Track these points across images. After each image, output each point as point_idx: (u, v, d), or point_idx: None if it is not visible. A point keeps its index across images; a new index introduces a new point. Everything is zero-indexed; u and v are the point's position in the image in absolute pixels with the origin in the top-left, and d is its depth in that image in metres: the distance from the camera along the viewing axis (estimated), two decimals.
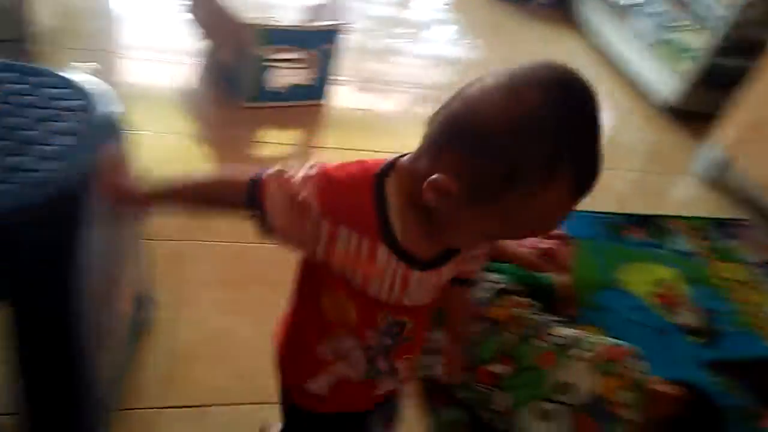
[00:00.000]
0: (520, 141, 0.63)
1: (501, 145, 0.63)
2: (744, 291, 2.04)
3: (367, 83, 2.66)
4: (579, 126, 0.65)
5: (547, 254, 1.73)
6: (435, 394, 1.42)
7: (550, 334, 1.37)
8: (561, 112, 0.63)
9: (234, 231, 1.71)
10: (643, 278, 1.98)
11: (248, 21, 2.06)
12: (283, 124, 2.23)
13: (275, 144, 2.15)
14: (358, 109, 2.44)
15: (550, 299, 1.61)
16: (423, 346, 0.90)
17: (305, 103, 2.30)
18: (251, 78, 2.16)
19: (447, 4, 3.50)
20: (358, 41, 2.98)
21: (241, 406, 1.35)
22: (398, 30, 3.15)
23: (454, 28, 3.33)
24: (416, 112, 2.50)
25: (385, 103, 2.55)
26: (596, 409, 1.29)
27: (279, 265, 1.63)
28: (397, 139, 2.30)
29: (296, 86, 2.24)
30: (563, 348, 1.34)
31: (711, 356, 1.78)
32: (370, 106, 2.48)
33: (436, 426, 1.39)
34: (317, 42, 2.21)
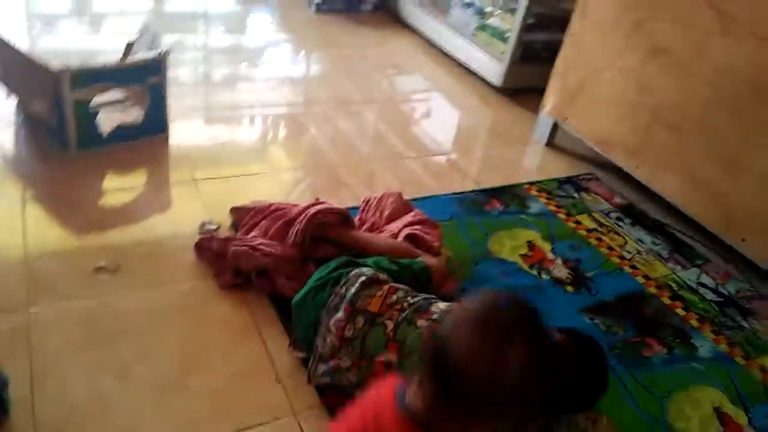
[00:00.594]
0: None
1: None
2: (602, 236, 2.18)
3: (212, 112, 2.58)
4: None
5: (416, 239, 1.74)
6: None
7: (431, 311, 1.36)
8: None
9: (84, 289, 1.57)
10: (512, 244, 2.05)
11: (58, 66, 1.90)
12: (123, 167, 2.08)
13: (119, 190, 2.00)
14: (205, 139, 2.34)
15: (427, 283, 1.61)
16: None
17: (143, 140, 2.17)
18: (75, 125, 2.00)
19: (276, 26, 3.49)
20: (198, 72, 2.89)
21: None
22: (236, 56, 3.08)
23: (290, 47, 3.33)
24: (268, 135, 2.45)
25: (233, 130, 2.46)
26: None
27: (142, 316, 1.51)
28: (249, 165, 2.29)
29: (129, 125, 2.11)
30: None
31: (587, 302, 1.87)
32: (217, 135, 2.38)
33: None
34: (141, 77, 2.09)
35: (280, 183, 2.15)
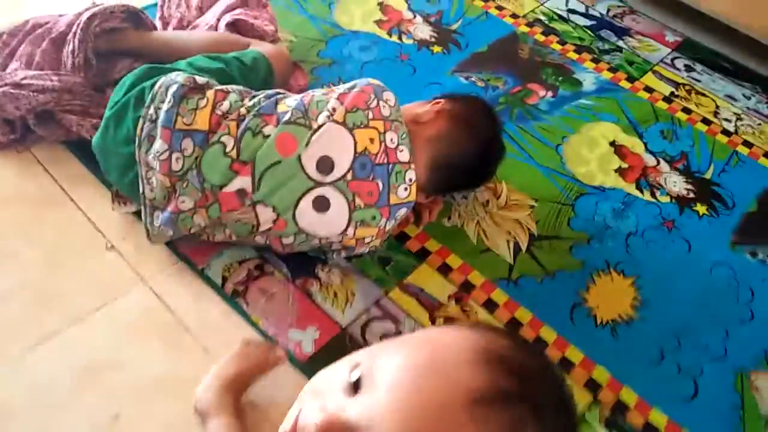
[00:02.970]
0: None
1: None
2: None
3: None
4: None
5: (242, 26, 1.35)
6: None
7: (279, 111, 1.04)
8: None
9: None
10: (361, 10, 1.69)
11: None
12: None
13: None
14: None
15: (267, 77, 1.26)
16: None
17: None
18: None
19: None
20: None
21: None
22: None
23: None
24: None
25: None
26: (367, 167, 1.04)
27: None
28: None
29: None
30: (298, 123, 1.03)
31: (458, 58, 1.61)
32: None
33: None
34: None
35: None
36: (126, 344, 1.01)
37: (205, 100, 1.03)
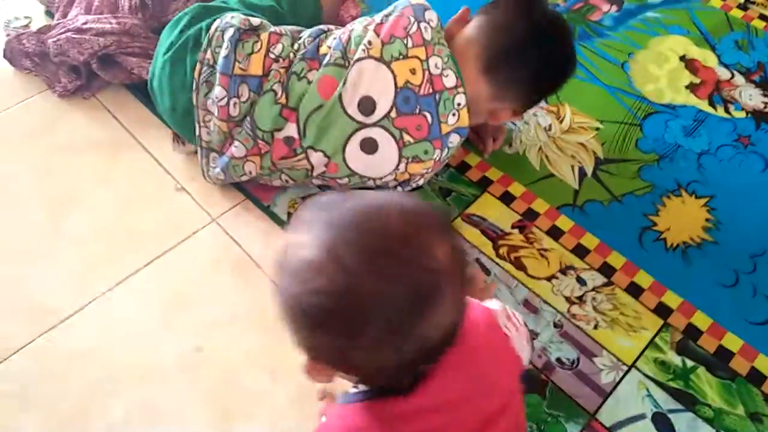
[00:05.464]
0: None
1: None
2: None
3: None
4: None
5: None
6: None
7: (320, 54, 1.02)
8: None
9: None
10: None
11: None
12: None
13: None
14: None
15: (315, 12, 1.23)
16: None
17: None
18: None
19: None
20: None
21: None
22: None
23: None
24: None
25: None
26: (411, 101, 1.00)
27: None
28: None
29: None
30: (337, 64, 1.00)
31: None
32: None
33: None
34: None
35: None
36: (201, 280, 1.05)
37: (260, 43, 1.02)
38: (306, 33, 1.05)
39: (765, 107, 1.31)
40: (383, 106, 0.99)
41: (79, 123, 1.22)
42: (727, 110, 1.30)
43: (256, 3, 1.13)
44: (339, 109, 0.99)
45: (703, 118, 1.29)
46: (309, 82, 1.00)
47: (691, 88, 1.34)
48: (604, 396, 0.95)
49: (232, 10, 1.08)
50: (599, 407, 0.94)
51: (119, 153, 1.19)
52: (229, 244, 1.09)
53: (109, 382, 0.94)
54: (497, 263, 1.08)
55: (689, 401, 0.95)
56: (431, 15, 1.02)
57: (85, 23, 1.17)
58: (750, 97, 1.32)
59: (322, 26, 1.08)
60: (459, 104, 1.02)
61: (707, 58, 1.39)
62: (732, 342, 1.01)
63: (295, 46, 1.03)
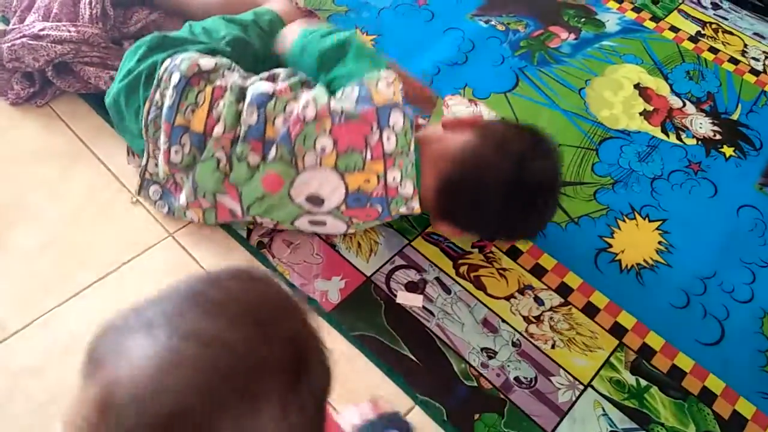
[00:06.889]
0: None
1: None
2: None
3: None
4: None
5: None
6: None
7: (262, 141, 0.97)
8: None
9: None
10: None
11: None
12: None
13: None
14: None
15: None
16: None
17: None
18: None
19: None
20: None
21: None
22: None
23: None
24: None
25: None
26: (362, 200, 0.99)
27: None
28: None
29: None
30: (283, 161, 0.95)
31: (479, 3, 1.57)
32: None
33: None
34: None
35: None
36: None
37: (203, 96, 0.97)
38: (252, 89, 0.98)
39: (714, 135, 1.36)
40: (333, 202, 0.98)
41: (32, 132, 1.18)
42: (678, 137, 1.35)
43: (221, 32, 1.11)
44: (286, 200, 0.98)
45: (656, 144, 1.33)
46: (250, 168, 0.96)
47: (645, 115, 1.38)
48: (561, 415, 0.95)
49: (193, 42, 1.06)
50: (556, 426, 0.94)
51: (73, 164, 1.15)
52: (186, 261, 1.06)
53: (54, 404, 0.90)
54: (457, 282, 1.08)
55: (643, 420, 0.96)
56: (396, 117, 0.94)
57: (43, 29, 1.14)
58: (700, 125, 1.37)
59: (267, 88, 0.98)
60: (412, 207, 1.02)
61: (660, 86, 1.44)
62: (684, 362, 1.03)
63: (241, 107, 0.97)
